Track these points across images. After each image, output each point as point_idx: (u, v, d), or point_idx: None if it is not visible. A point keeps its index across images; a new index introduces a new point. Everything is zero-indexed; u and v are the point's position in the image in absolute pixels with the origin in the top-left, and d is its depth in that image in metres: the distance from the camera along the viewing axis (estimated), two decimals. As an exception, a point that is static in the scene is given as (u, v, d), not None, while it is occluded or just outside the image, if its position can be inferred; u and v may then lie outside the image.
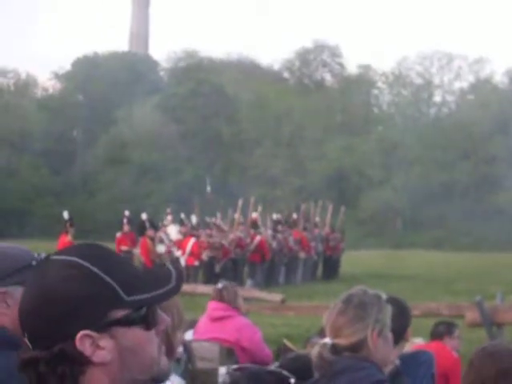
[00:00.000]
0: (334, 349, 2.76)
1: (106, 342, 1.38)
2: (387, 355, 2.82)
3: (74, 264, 1.39)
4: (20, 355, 1.40)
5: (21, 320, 1.41)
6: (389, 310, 2.81)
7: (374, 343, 2.73)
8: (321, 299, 16.06)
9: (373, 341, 2.73)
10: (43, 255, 2.27)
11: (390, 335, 2.80)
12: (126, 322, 1.39)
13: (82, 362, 1.37)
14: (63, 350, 1.36)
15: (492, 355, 2.77)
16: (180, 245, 21.50)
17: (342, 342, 2.75)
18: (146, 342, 1.42)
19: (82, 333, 1.36)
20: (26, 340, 1.39)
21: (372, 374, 2.70)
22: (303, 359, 5.67)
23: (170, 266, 1.51)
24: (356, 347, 2.73)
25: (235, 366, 5.16)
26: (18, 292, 2.15)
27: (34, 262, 2.24)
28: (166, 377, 1.48)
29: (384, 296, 2.84)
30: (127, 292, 1.39)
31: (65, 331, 1.36)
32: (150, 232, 21.35)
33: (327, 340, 2.79)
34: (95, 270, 1.39)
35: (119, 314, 1.39)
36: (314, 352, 2.81)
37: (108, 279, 1.38)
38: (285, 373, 5.03)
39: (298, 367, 5.37)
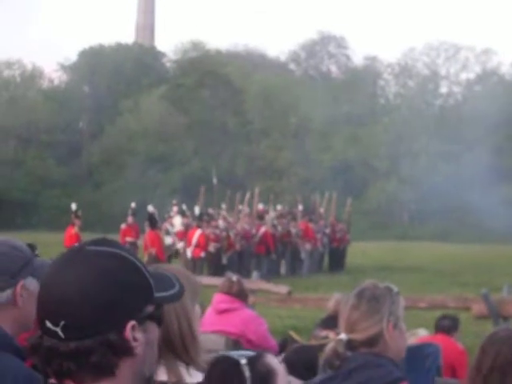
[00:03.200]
0: (350, 344, 2.74)
1: (140, 334, 1.38)
2: (402, 348, 2.81)
3: (118, 255, 1.40)
4: (59, 347, 1.35)
5: (56, 310, 1.35)
6: (401, 302, 2.79)
7: (391, 335, 2.72)
8: (327, 291, 16.05)
9: (389, 333, 2.72)
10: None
11: (403, 327, 2.79)
12: (154, 317, 1.42)
13: (125, 353, 1.36)
14: (109, 339, 1.34)
15: (507, 340, 2.70)
16: (185, 236, 21.45)
17: (358, 336, 2.73)
18: (157, 338, 1.45)
19: (132, 322, 1.36)
20: (59, 330, 1.34)
21: (390, 371, 2.68)
22: (307, 351, 5.68)
23: (163, 271, 1.56)
24: (372, 341, 2.72)
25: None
26: (32, 284, 2.15)
27: (36, 251, 2.25)
28: (152, 379, 1.49)
29: (395, 289, 2.81)
30: (155, 289, 1.42)
31: (112, 320, 1.35)
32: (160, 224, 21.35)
33: (342, 336, 2.77)
34: (138, 263, 1.41)
35: (150, 308, 1.41)
36: (328, 348, 2.79)
37: (147, 274, 1.41)
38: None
39: (302, 359, 5.39)
